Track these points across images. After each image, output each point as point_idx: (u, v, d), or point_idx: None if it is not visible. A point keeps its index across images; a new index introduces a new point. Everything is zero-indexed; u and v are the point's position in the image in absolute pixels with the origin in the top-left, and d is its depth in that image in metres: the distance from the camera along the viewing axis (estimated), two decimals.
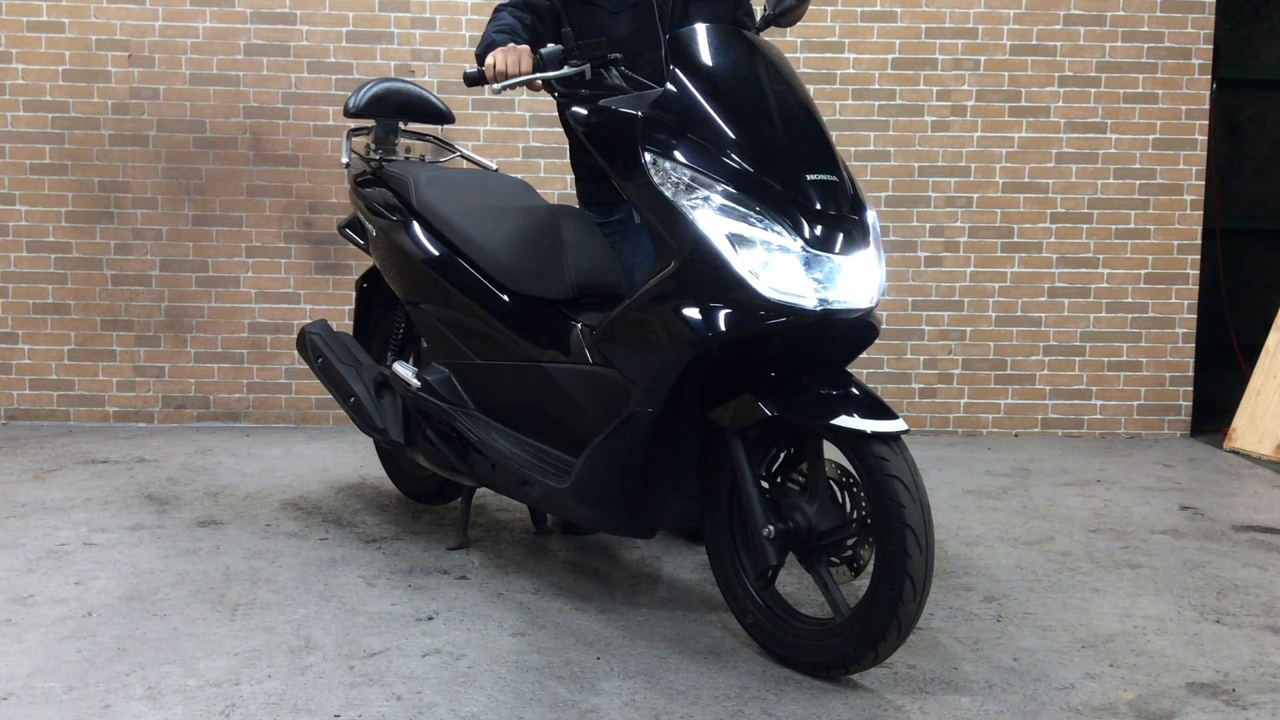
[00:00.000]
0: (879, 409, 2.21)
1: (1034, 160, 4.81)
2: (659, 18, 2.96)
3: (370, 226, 3.22)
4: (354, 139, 3.37)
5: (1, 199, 4.67)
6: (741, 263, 2.21)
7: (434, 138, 3.54)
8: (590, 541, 3.23)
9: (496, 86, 2.58)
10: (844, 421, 2.16)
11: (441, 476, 3.19)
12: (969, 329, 4.86)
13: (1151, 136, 4.82)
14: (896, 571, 2.13)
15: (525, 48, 2.62)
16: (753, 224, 2.22)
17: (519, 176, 3.42)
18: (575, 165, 3.18)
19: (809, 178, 2.28)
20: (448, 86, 4.59)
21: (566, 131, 2.73)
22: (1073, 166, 4.82)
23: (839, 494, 2.33)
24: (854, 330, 2.36)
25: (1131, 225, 4.84)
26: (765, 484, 2.43)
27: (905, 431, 2.20)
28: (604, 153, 2.47)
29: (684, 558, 3.10)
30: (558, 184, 4.68)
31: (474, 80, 2.67)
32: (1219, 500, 3.88)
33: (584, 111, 2.51)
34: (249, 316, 4.76)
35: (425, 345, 3.21)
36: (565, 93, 2.56)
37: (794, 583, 2.82)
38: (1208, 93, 4.83)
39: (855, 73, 4.76)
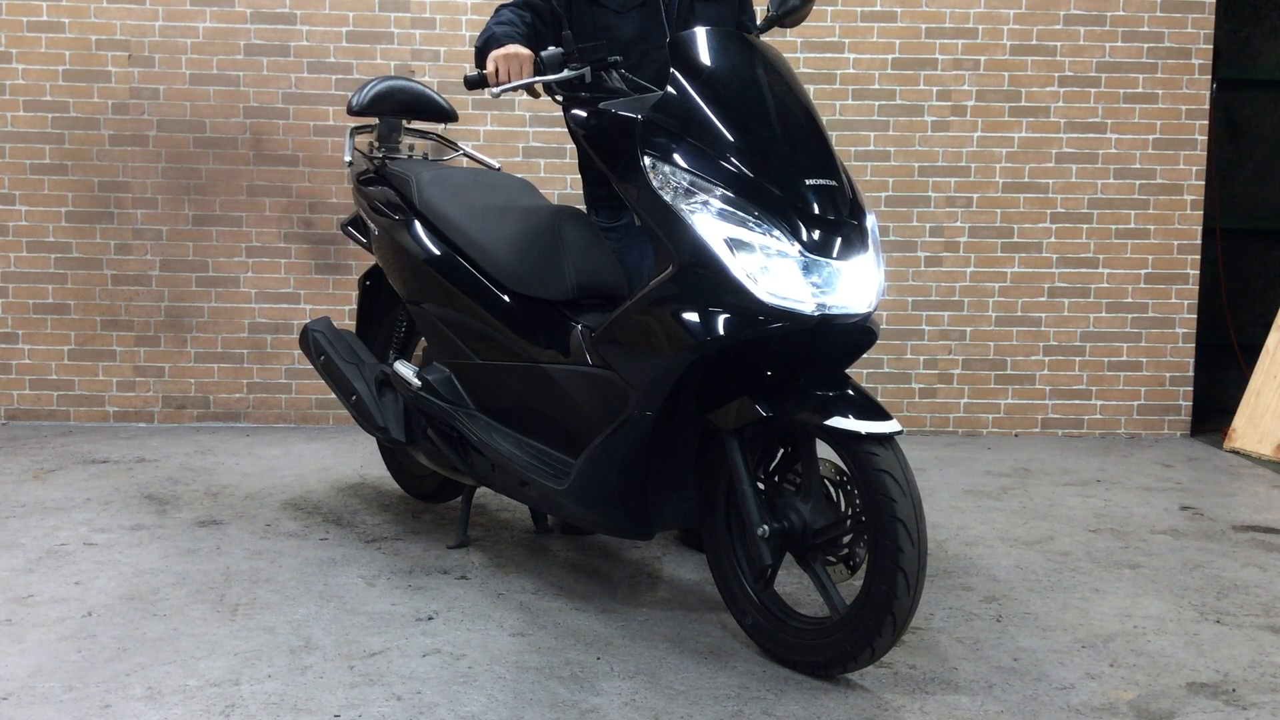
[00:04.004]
0: (873, 410, 2.21)
1: (1034, 160, 4.81)
2: (665, 18, 2.95)
3: (372, 225, 3.22)
4: (357, 137, 3.37)
5: (1, 199, 4.67)
6: (740, 267, 2.21)
7: (437, 136, 3.54)
8: (590, 541, 3.23)
9: (496, 90, 2.58)
10: (838, 422, 2.17)
11: (442, 475, 3.20)
12: (969, 329, 4.86)
13: (1151, 136, 4.82)
14: (889, 566, 2.14)
15: (526, 52, 2.62)
16: (751, 229, 2.23)
17: (520, 176, 3.42)
18: (583, 169, 3.18)
19: (808, 182, 2.29)
20: (448, 86, 4.59)
21: (572, 135, 2.74)
22: (1073, 166, 4.82)
23: (834, 493, 2.34)
24: (852, 334, 2.36)
25: (1131, 225, 4.85)
26: (762, 484, 2.43)
27: (899, 432, 2.20)
28: (604, 156, 2.47)
29: (684, 558, 3.10)
30: (558, 184, 4.68)
31: (475, 84, 2.67)
32: (1219, 500, 3.88)
33: (584, 114, 2.51)
34: (249, 316, 4.76)
35: (426, 344, 3.21)
36: (567, 96, 2.56)
37: (794, 583, 2.82)
38: (1208, 93, 4.83)
39: (855, 73, 4.76)
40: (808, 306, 2.20)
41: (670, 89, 2.39)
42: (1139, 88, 4.79)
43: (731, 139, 2.30)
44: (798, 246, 2.22)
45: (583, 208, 3.16)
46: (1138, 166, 4.83)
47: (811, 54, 4.73)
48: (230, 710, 2.14)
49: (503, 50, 2.64)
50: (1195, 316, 4.90)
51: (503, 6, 2.96)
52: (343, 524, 3.37)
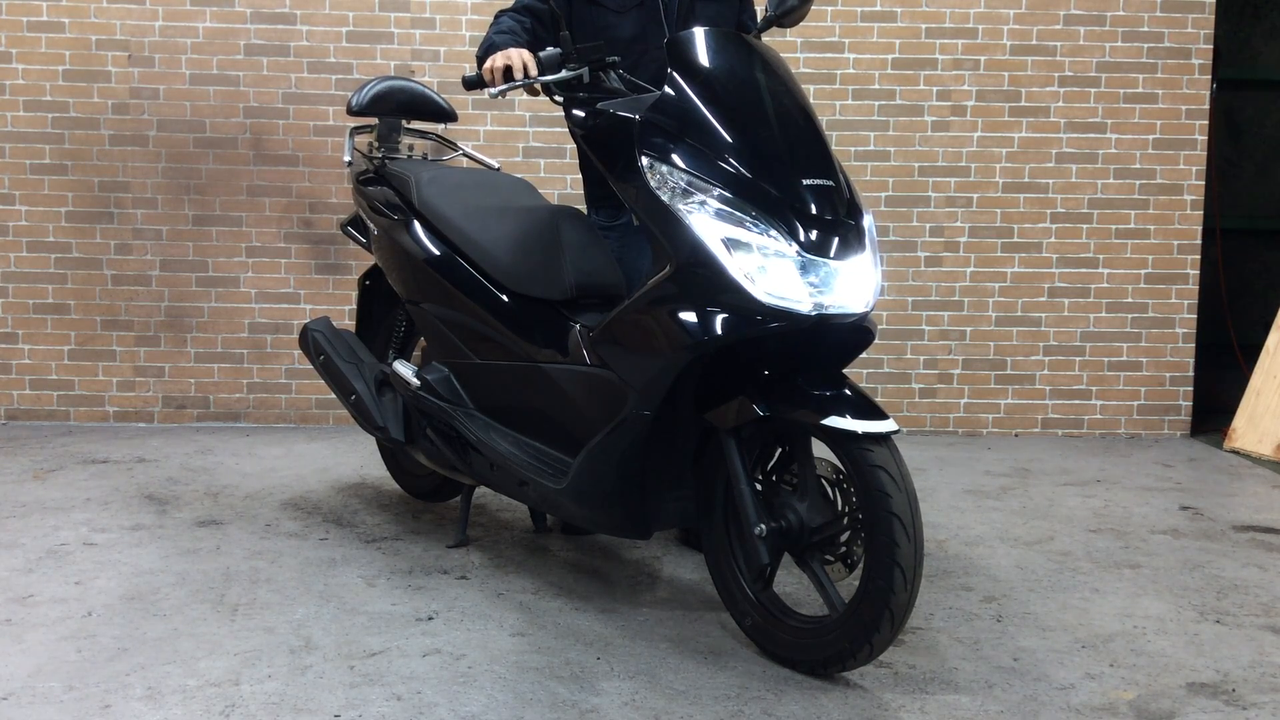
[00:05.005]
0: (870, 410, 2.21)
1: (1034, 160, 4.81)
2: (664, 17, 2.96)
3: (372, 225, 3.23)
4: (357, 137, 3.38)
5: (1, 199, 4.67)
6: (737, 267, 2.21)
7: (437, 136, 3.55)
8: (590, 541, 3.23)
9: (494, 90, 2.59)
10: (835, 422, 2.17)
11: (442, 475, 3.20)
12: (969, 329, 4.86)
13: (1151, 136, 4.82)
14: (885, 562, 2.14)
15: (524, 51, 2.62)
16: (749, 228, 2.23)
17: (520, 176, 3.43)
18: (583, 169, 3.18)
19: (806, 182, 2.29)
20: (448, 87, 4.58)
21: (572, 135, 2.74)
22: (1073, 166, 4.82)
23: (830, 491, 2.34)
24: (850, 334, 2.36)
25: (1131, 225, 4.84)
26: (759, 484, 2.43)
27: (896, 432, 2.21)
28: (602, 156, 2.47)
29: (683, 558, 3.10)
30: (558, 184, 4.68)
31: (473, 84, 2.68)
32: (1219, 500, 3.88)
33: (582, 114, 2.52)
34: (249, 316, 4.76)
35: (425, 344, 3.21)
36: (566, 96, 2.56)
37: (793, 583, 2.82)
38: (1208, 93, 4.83)
39: (855, 73, 4.76)
40: (805, 306, 2.20)
41: (668, 89, 2.39)
42: (1139, 88, 4.79)
43: (729, 139, 2.30)
44: (795, 246, 2.22)
45: (583, 208, 3.16)
46: (1138, 166, 4.82)
47: (811, 54, 4.73)
48: (230, 710, 2.14)
49: (501, 51, 2.64)
50: (1195, 316, 4.90)
51: (502, 13, 2.97)
52: (343, 524, 3.37)
